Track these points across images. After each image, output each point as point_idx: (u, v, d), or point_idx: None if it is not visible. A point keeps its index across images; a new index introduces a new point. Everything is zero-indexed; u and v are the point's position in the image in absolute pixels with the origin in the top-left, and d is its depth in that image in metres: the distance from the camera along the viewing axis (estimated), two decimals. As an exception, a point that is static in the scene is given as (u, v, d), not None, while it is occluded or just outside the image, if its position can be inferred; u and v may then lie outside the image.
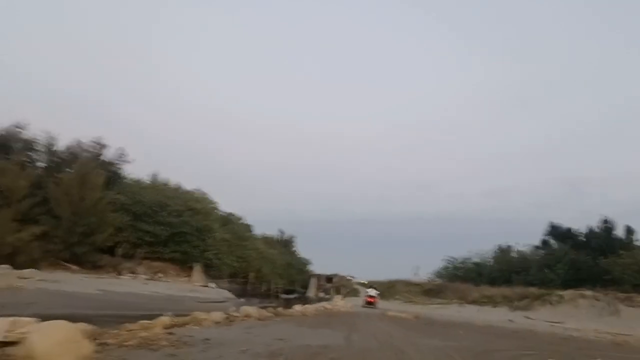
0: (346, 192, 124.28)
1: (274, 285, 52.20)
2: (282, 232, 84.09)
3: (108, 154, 41.13)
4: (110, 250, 34.59)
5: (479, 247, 56.46)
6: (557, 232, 47.20)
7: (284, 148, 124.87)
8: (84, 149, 39.22)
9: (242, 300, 35.71)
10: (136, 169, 49.13)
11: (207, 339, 8.91)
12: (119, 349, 6.91)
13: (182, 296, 25.22)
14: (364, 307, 33.67)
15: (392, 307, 31.69)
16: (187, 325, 11.53)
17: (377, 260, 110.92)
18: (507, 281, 44.17)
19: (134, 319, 9.78)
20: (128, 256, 35.63)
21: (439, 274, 55.81)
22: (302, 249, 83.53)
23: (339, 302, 29.20)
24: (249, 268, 51.65)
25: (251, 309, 16.51)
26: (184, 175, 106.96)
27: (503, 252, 51.08)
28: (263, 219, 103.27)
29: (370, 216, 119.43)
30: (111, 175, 40.45)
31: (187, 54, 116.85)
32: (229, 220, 51.92)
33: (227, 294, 34.16)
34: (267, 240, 76.56)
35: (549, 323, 25.01)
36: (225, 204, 62.18)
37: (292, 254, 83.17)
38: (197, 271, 38.68)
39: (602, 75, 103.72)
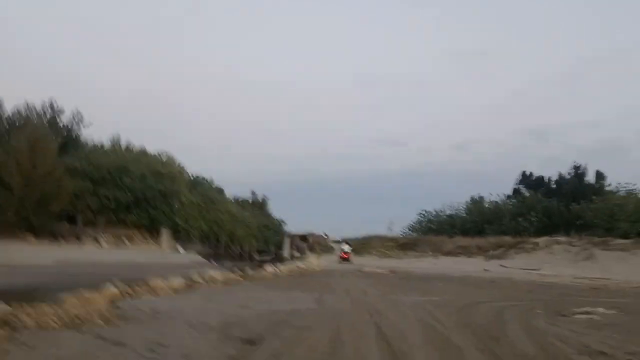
0: (313, 152, 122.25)
1: (247, 247, 51.23)
2: (254, 194, 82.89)
3: (64, 118, 38.70)
4: (72, 219, 32.84)
5: (451, 200, 56.49)
6: (529, 181, 47.30)
7: (245, 106, 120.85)
8: (35, 113, 36.74)
9: (213, 263, 34.76)
10: (97, 133, 46.43)
11: (157, 312, 7.72)
12: (35, 331, 5.66)
13: (146, 263, 23.93)
14: (340, 263, 34.52)
15: (368, 263, 31.18)
16: (142, 296, 10.36)
17: (351, 217, 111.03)
18: (481, 232, 44.29)
19: (83, 289, 8.46)
20: (91, 224, 33.94)
21: (413, 228, 55.88)
22: (275, 211, 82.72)
23: (314, 261, 28.48)
24: (222, 231, 50.49)
25: (216, 273, 15.40)
26: (150, 138, 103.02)
27: (475, 204, 51.15)
28: (232, 183, 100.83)
29: (341, 174, 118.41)
30: (67, 140, 38.20)
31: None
32: (198, 184, 50.30)
33: (197, 258, 33.05)
34: (240, 203, 75.42)
35: (525, 270, 24.81)
36: (194, 167, 60.49)
37: (266, 215, 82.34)
38: (166, 237, 37.32)
39: (564, 28, 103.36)
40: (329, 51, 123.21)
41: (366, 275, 21.86)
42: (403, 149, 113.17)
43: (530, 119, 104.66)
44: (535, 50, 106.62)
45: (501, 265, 27.45)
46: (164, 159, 42.01)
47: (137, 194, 36.55)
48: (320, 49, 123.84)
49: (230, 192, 74.50)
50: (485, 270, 25.53)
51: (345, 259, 35.12)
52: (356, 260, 35.77)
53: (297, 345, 5.51)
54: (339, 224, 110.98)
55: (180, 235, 39.28)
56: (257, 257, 46.38)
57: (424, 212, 55.81)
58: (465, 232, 44.47)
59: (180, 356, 4.76)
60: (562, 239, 29.21)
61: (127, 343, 5.15)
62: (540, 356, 5.24)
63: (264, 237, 64.92)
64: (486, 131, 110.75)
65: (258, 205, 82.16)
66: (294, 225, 73.61)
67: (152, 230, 37.79)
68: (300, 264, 26.46)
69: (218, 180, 61.54)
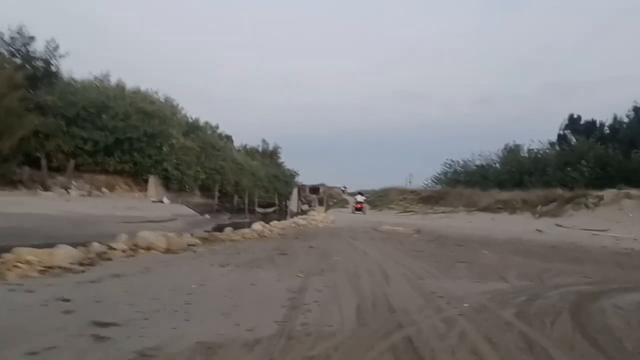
0: (331, 103, 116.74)
1: (254, 199, 46.26)
2: (265, 143, 77.50)
3: (37, 47, 33.14)
4: (37, 163, 27.99)
5: (472, 155, 49.87)
6: (577, 126, 40.74)
7: (261, 57, 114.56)
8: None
9: (205, 217, 29.84)
10: (88, 69, 40.52)
11: None
12: None
13: (107, 216, 18.93)
14: (353, 213, 33.67)
15: (387, 219, 25.87)
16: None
17: (369, 171, 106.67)
18: (518, 184, 38.37)
19: None
20: (62, 169, 29.09)
21: (437, 180, 50.07)
22: (290, 163, 77.55)
23: (318, 216, 23.19)
24: (225, 181, 45.48)
25: (158, 239, 10.09)
26: (153, 84, 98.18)
27: (511, 152, 44.86)
28: (245, 133, 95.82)
29: (358, 127, 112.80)
30: (39, 72, 32.84)
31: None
32: (196, 127, 44.87)
33: (185, 210, 28.11)
34: (249, 152, 70.19)
35: (589, 232, 19.14)
36: (208, 118, 55.22)
37: (278, 165, 77.16)
38: (153, 185, 32.41)
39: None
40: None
41: (384, 236, 16.51)
42: (424, 103, 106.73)
43: (557, 73, 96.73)
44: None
45: (557, 225, 21.76)
46: (153, 98, 36.49)
47: (118, 134, 31.36)
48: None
49: (241, 142, 69.58)
50: (538, 230, 19.93)
51: (358, 210, 34.13)
52: (373, 215, 30.54)
53: None
54: (356, 178, 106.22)
55: (172, 184, 34.29)
56: (260, 210, 41.39)
57: (450, 162, 49.87)
58: (500, 185, 38.58)
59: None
60: (635, 192, 23.22)
61: None
62: None
63: (274, 188, 59.95)
64: (510, 86, 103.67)
65: (268, 155, 76.94)
66: (309, 178, 68.49)
67: (137, 177, 32.87)
68: (301, 219, 21.20)
69: (229, 130, 56.43)
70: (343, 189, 58.75)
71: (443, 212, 27.40)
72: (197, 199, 38.26)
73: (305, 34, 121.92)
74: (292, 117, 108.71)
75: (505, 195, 28.96)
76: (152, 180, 32.37)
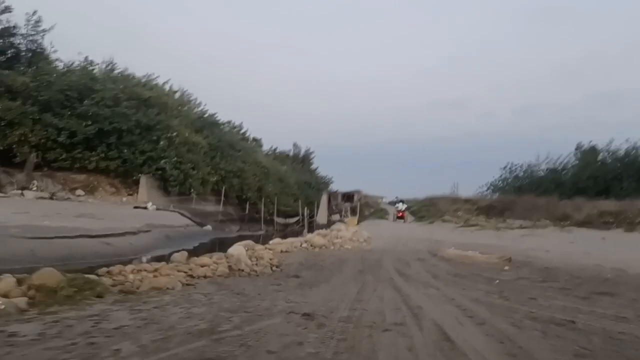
0: (370, 115, 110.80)
1: (275, 207, 39.57)
2: (296, 147, 71.07)
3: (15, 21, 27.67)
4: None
5: (537, 158, 41.50)
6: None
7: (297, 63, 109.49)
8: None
9: (206, 228, 23.32)
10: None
11: None
12: None
13: (23, 227, 12.46)
14: (394, 221, 32.04)
15: (444, 235, 18.55)
16: None
17: (408, 183, 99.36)
18: (603, 192, 30.32)
19: None
20: (37, 166, 23.26)
21: (495, 187, 42.01)
22: (324, 170, 71.01)
23: (346, 231, 15.97)
24: (244, 185, 39.02)
25: None
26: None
27: (589, 154, 36.46)
28: (278, 140, 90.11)
29: (395, 136, 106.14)
30: (15, 49, 27.42)
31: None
32: (212, 124, 38.64)
33: (175, 219, 21.56)
34: (278, 156, 63.80)
35: None
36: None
37: (311, 172, 70.50)
38: (145, 187, 26.13)
39: None
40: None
41: (456, 271, 9.40)
42: (463, 114, 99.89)
43: (602, 82, 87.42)
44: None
45: None
46: (152, 84, 30.40)
47: (102, 124, 25.29)
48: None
49: (271, 145, 63.59)
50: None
51: (400, 218, 32.40)
52: (422, 229, 23.28)
53: None
54: (394, 189, 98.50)
55: (171, 187, 27.93)
56: (279, 220, 34.63)
57: (510, 167, 41.77)
58: (580, 193, 30.51)
59: None
60: None
61: None
62: None
63: (305, 195, 53.25)
64: (551, 95, 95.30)
65: (300, 160, 70.36)
66: (344, 187, 61.81)
67: (127, 178, 26.70)
68: (321, 236, 14.19)
69: (263, 137, 50.92)
70: (379, 198, 51.21)
71: (522, 227, 19.90)
72: (209, 205, 31.92)
73: (340, 42, 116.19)
74: (326, 126, 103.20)
75: (611, 205, 21.04)
76: (144, 182, 26.13)
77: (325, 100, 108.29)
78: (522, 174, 40.70)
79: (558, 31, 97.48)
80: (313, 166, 72.11)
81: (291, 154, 68.58)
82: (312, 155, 72.65)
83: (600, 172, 32.72)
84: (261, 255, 9.56)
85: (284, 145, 68.89)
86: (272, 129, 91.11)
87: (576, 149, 38.58)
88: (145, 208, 22.04)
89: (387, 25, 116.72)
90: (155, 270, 6.97)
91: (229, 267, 8.11)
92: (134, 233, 14.82)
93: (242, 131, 51.40)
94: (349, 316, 4.88)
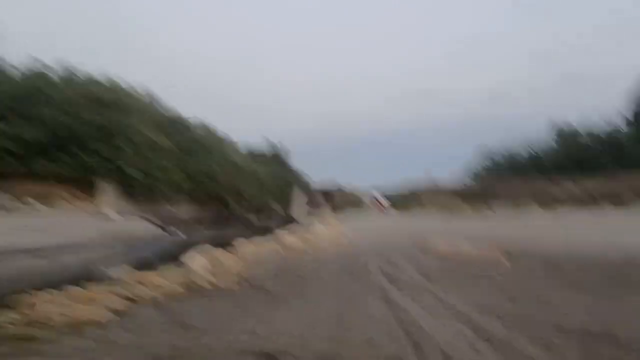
0: (338, 110, 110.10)
1: (250, 206, 38.05)
2: (271, 143, 69.40)
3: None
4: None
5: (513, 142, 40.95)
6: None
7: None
8: None
9: (175, 233, 21.70)
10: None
11: None
12: None
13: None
14: (374, 214, 31.75)
15: (430, 226, 17.41)
16: None
17: (386, 174, 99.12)
18: (583, 171, 29.79)
19: None
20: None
21: (473, 173, 41.27)
22: (300, 166, 69.78)
23: (324, 229, 14.57)
24: (218, 187, 37.49)
25: None
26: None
27: (567, 135, 35.91)
28: (254, 138, 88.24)
29: (372, 129, 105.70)
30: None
31: None
32: (179, 124, 36.89)
33: (140, 225, 19.97)
34: (254, 155, 62.12)
35: None
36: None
37: (286, 168, 69.11)
38: (107, 194, 24.37)
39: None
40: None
41: (448, 269, 8.26)
42: (435, 100, 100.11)
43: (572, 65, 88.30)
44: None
45: None
46: (113, 85, 28.51)
47: (59, 130, 23.48)
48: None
49: (245, 144, 61.97)
50: None
51: (380, 209, 32.43)
52: (405, 221, 22.18)
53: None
54: (372, 181, 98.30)
55: (137, 193, 26.22)
56: (257, 221, 33.13)
57: (488, 152, 41.08)
58: (561, 173, 29.96)
59: None
60: None
61: None
62: None
63: (281, 192, 51.84)
64: (521, 78, 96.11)
65: (277, 158, 68.77)
66: (321, 182, 60.72)
67: (88, 186, 24.89)
68: (295, 238, 12.87)
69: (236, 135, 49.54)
70: (358, 192, 50.05)
71: (508, 213, 18.90)
72: (179, 208, 30.29)
73: (312, 39, 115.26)
74: (302, 122, 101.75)
75: (599, 183, 20.21)
76: (106, 188, 24.35)
77: (300, 97, 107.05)
78: (500, 158, 40.07)
79: (529, 15, 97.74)
80: (289, 163, 70.80)
81: (265, 151, 66.99)
82: (288, 152, 71.27)
83: (579, 152, 32.21)
84: (226, 264, 8.21)
85: (258, 143, 67.10)
86: (246, 127, 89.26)
87: (553, 130, 38.11)
88: (108, 216, 20.36)
89: (353, 15, 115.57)
90: (83, 296, 5.57)
91: (184, 283, 6.75)
92: (83, 246, 13.25)
93: (213, 130, 49.84)
94: (327, 353, 3.60)
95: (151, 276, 6.85)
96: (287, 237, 12.74)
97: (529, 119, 76.98)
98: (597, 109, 76.27)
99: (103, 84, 27.96)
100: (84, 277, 10.43)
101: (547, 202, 19.62)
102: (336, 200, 35.99)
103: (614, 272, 7.78)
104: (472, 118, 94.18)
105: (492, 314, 5.00)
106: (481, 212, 20.79)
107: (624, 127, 32.47)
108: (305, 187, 42.28)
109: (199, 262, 8.08)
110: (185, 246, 17.17)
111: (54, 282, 8.29)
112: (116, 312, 5.10)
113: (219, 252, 9.41)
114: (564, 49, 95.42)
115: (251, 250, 10.11)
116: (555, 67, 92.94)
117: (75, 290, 5.89)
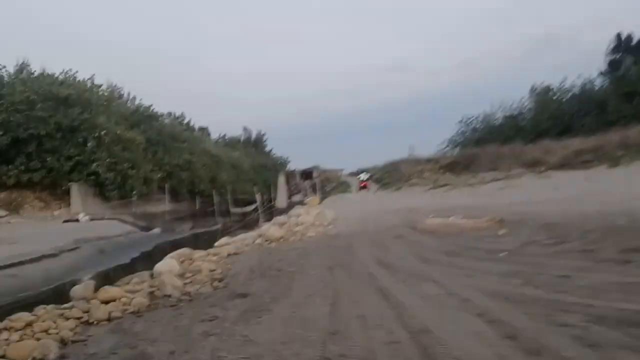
0: (315, 91, 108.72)
1: (230, 197, 36.98)
2: (247, 131, 68.25)
3: None
4: None
5: (491, 108, 40.41)
6: (630, 47, 31.45)
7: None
8: None
9: (154, 232, 20.81)
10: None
11: None
12: None
13: None
14: (358, 192, 32.26)
15: (416, 202, 16.76)
16: None
17: (366, 152, 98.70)
18: (564, 132, 29.51)
19: None
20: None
21: (454, 143, 40.71)
22: (281, 152, 69.06)
23: (307, 215, 13.78)
24: (195, 178, 36.36)
25: None
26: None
27: (544, 96, 35.52)
28: (230, 128, 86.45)
29: (349, 108, 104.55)
30: None
31: None
32: (149, 117, 35.45)
33: (114, 228, 18.91)
34: (229, 143, 60.81)
35: None
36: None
37: (266, 154, 68.07)
38: (77, 196, 23.15)
39: None
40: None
41: (443, 246, 7.55)
42: (408, 74, 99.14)
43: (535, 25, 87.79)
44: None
45: None
46: (70, 80, 26.90)
47: (17, 132, 22.07)
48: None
49: (219, 133, 60.76)
50: None
51: (364, 188, 32.77)
52: (389, 197, 21.51)
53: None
54: (353, 160, 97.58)
55: (109, 192, 25.00)
56: (236, 210, 32.27)
57: (466, 120, 40.47)
58: (541, 134, 29.62)
59: None
60: None
61: None
62: None
63: (262, 180, 50.84)
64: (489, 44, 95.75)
65: (252, 144, 67.61)
66: (304, 165, 59.79)
67: (56, 189, 23.64)
68: (277, 226, 12.05)
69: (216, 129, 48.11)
70: (338, 171, 49.10)
71: (496, 180, 18.35)
72: (156, 205, 29.21)
73: (283, 26, 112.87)
74: (280, 110, 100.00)
75: (586, 142, 19.72)
76: (76, 191, 23.12)
77: (274, 84, 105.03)
78: (479, 125, 39.60)
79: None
80: (267, 148, 69.68)
81: (242, 138, 65.74)
82: (265, 138, 70.16)
83: (558, 112, 31.89)
84: (200, 267, 7.35)
85: (235, 132, 65.87)
86: (221, 117, 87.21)
87: (530, 92, 37.67)
88: (77, 220, 19.27)
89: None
90: (29, 324, 4.68)
91: (151, 294, 5.90)
92: (53, 255, 12.23)
93: (186, 121, 48.37)
94: None
95: (114, 290, 5.96)
96: (270, 227, 11.90)
97: (506, 86, 76.85)
98: (573, 68, 76.39)
99: (60, 80, 26.38)
100: (42, 295, 9.47)
101: (534, 165, 19.16)
102: (320, 183, 35.12)
103: (621, 235, 7.14)
104: (450, 91, 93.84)
105: (508, 301, 4.27)
106: (467, 182, 20.26)
107: (602, 83, 32.22)
108: (287, 173, 41.27)
109: (169, 265, 7.22)
110: (161, 246, 16.29)
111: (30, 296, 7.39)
112: (64, 342, 4.24)
113: (194, 253, 8.56)
114: (526, 8, 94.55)
115: (231, 245, 9.26)
116: (524, 30, 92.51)
117: (19, 319, 4.96)
